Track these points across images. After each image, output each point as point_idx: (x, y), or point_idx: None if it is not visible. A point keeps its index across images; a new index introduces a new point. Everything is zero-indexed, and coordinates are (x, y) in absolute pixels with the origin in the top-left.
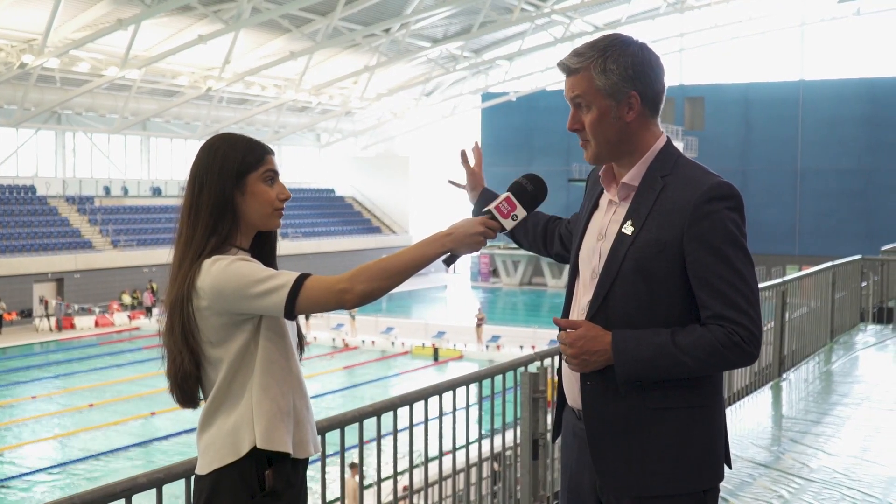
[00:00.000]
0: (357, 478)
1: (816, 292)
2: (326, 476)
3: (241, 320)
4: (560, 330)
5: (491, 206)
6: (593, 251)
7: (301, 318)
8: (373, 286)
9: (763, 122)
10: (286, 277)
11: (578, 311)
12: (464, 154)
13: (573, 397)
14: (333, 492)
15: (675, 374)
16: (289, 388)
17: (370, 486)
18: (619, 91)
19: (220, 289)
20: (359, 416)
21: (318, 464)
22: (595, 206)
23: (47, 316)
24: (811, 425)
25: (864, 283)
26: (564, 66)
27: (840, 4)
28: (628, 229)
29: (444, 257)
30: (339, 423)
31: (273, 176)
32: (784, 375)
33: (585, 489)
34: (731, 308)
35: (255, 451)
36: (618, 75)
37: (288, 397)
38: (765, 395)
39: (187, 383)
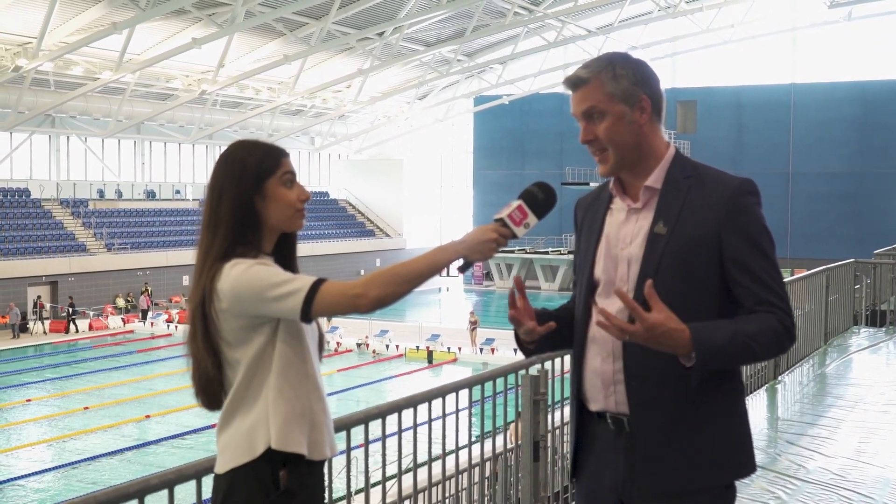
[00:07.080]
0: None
1: (810, 295)
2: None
3: (259, 323)
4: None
5: (503, 214)
6: (617, 260)
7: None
8: (386, 291)
9: (755, 125)
10: (302, 282)
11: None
12: (512, 295)
13: (600, 401)
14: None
15: (742, 362)
16: (305, 391)
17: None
18: (630, 95)
19: (237, 292)
20: (364, 419)
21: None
22: (602, 223)
23: (41, 319)
24: (807, 427)
25: (857, 286)
26: (574, 79)
27: (831, 9)
28: (661, 229)
29: (458, 265)
30: (345, 424)
31: (291, 178)
32: (779, 378)
33: (605, 489)
34: (776, 296)
35: (270, 452)
36: (628, 80)
37: (304, 399)
38: (760, 397)
39: (211, 387)
